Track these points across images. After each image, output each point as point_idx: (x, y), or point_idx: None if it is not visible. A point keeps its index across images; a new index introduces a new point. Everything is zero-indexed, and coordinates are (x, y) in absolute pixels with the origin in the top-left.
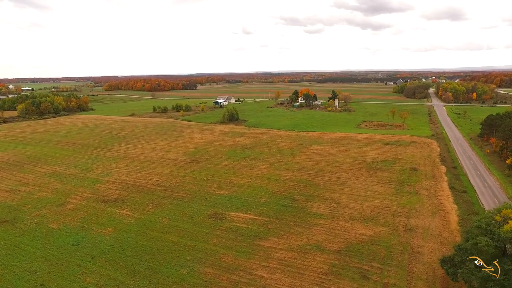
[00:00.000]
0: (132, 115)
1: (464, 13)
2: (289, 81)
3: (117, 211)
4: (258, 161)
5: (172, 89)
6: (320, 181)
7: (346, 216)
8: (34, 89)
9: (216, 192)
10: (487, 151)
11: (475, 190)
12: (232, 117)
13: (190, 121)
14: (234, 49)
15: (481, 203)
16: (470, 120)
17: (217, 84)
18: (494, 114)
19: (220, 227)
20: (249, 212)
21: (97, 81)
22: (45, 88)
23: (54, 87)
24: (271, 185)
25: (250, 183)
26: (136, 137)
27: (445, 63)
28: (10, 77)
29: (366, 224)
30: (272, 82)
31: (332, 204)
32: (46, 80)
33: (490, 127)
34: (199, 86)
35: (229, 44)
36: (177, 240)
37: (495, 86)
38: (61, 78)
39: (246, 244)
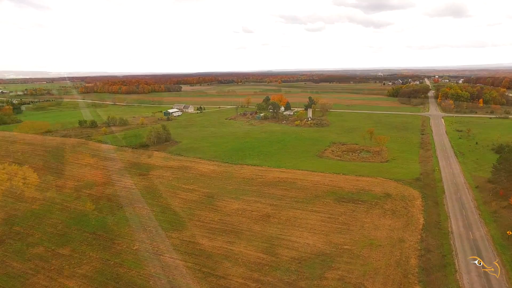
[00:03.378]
0: (48, 132)
1: (466, 10)
2: (284, 81)
3: None
4: (81, 257)
5: (153, 91)
6: None
7: None
8: (7, 90)
9: None
10: (509, 233)
11: None
12: (160, 139)
13: (106, 143)
14: (236, 47)
15: None
16: (476, 143)
17: (208, 84)
18: None
19: None
20: None
21: (89, 81)
22: (26, 89)
23: (26, 89)
24: None
25: None
26: None
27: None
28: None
29: None
30: (266, 82)
31: None
32: (38, 80)
33: (508, 174)
34: (185, 87)
35: (231, 42)
36: None
37: (504, 89)
38: (54, 78)
39: None
